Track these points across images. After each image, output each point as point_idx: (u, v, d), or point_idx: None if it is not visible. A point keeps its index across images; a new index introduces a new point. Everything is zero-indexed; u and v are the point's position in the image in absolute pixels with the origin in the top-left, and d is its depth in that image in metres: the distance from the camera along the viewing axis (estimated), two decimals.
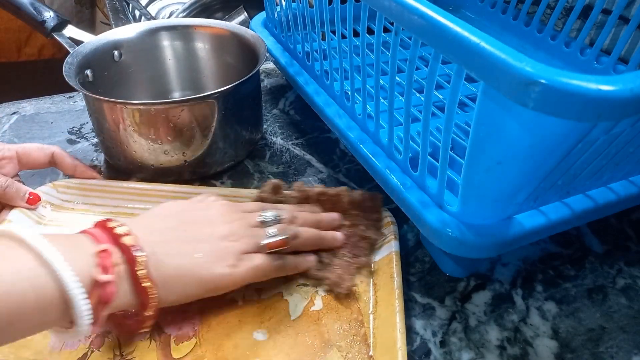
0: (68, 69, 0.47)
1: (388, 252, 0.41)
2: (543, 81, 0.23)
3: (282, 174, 0.52)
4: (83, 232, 0.32)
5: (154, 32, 0.56)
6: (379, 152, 0.43)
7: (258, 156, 0.55)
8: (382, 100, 0.42)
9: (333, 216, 0.42)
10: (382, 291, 0.38)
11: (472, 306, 0.39)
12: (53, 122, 0.60)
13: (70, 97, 0.65)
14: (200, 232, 0.36)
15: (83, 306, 0.28)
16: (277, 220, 0.38)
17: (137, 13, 0.85)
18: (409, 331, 0.37)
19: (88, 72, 0.51)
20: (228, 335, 0.36)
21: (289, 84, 0.66)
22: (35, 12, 0.55)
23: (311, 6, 0.49)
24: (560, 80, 0.23)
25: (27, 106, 0.63)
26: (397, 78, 0.38)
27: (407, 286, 0.40)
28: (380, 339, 0.35)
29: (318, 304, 0.38)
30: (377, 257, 0.41)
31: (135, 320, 0.34)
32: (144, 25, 0.56)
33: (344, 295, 0.38)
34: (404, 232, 0.45)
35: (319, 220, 0.41)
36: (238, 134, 0.51)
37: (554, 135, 0.27)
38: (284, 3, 0.56)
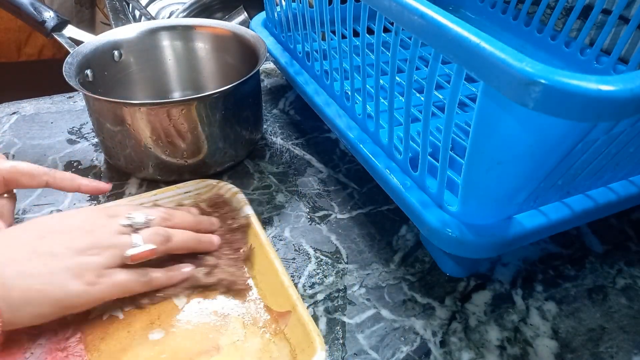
0: (68, 69, 0.47)
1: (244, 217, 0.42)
2: (543, 81, 0.23)
3: (282, 174, 0.52)
4: None
5: (154, 32, 0.56)
6: (379, 152, 0.43)
7: (258, 156, 0.55)
8: (382, 100, 0.42)
9: (212, 220, 0.41)
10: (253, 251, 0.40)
11: (472, 306, 0.39)
12: (53, 122, 0.60)
13: (70, 97, 0.65)
14: (57, 246, 0.32)
15: None
16: (145, 223, 0.35)
17: (137, 13, 0.85)
18: (409, 331, 0.37)
19: (88, 72, 0.51)
20: (124, 350, 0.34)
21: (289, 84, 0.66)
22: (35, 12, 0.55)
23: (311, 6, 0.49)
24: (560, 80, 0.23)
25: (27, 106, 0.62)
26: (397, 78, 0.38)
27: (407, 286, 0.40)
28: (269, 289, 0.37)
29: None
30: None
31: None
32: (144, 25, 0.56)
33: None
34: (404, 232, 0.45)
35: (199, 222, 0.40)
36: (238, 134, 0.51)
37: (554, 135, 0.27)
38: (284, 3, 0.56)
